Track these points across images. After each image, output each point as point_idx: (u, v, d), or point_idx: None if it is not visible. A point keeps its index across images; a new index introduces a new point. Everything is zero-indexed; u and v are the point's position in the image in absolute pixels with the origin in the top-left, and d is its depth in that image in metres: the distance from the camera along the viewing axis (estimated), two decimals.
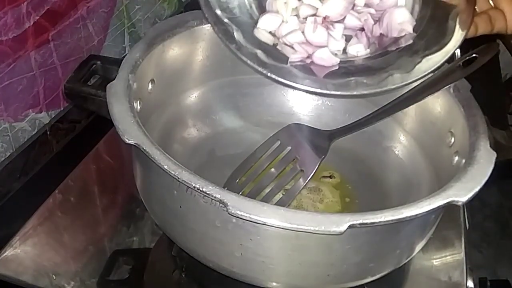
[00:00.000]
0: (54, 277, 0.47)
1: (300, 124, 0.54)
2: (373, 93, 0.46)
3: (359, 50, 0.49)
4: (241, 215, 0.34)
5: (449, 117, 0.49)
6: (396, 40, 0.48)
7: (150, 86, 0.50)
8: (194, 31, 0.53)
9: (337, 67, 0.48)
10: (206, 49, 0.55)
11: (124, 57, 0.47)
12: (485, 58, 0.46)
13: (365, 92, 0.46)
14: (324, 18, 0.48)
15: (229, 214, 0.34)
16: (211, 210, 0.37)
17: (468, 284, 0.49)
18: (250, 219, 0.34)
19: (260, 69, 0.46)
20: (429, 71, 0.46)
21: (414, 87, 0.50)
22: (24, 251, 0.48)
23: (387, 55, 0.48)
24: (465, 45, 0.46)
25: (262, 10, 0.51)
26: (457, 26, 0.46)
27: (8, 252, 0.48)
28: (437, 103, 0.50)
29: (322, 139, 0.52)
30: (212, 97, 0.58)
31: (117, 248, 0.50)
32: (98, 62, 0.51)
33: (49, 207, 0.52)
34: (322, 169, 0.55)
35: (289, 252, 0.39)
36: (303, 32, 0.48)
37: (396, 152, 0.56)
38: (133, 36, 0.73)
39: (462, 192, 0.37)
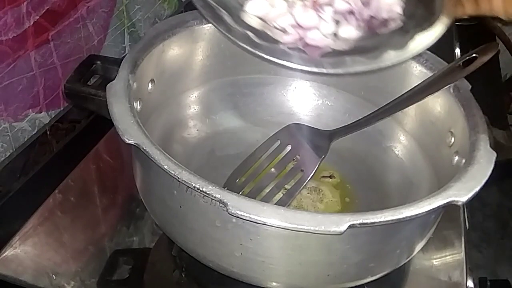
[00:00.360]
0: (54, 277, 0.47)
1: (300, 124, 0.54)
2: (371, 70, 0.46)
3: (350, 32, 0.48)
4: (241, 215, 0.34)
5: (449, 117, 0.49)
6: (385, 22, 0.48)
7: (150, 86, 0.50)
8: (194, 31, 0.53)
9: (330, 49, 0.47)
10: (206, 49, 0.55)
11: (124, 57, 0.47)
12: (485, 58, 0.46)
13: (363, 69, 0.46)
14: (314, 1, 0.47)
15: (229, 214, 0.34)
16: (211, 210, 0.37)
17: (468, 284, 0.49)
18: (250, 219, 0.34)
19: (253, 50, 0.45)
20: (423, 47, 0.47)
21: (414, 87, 0.50)
22: (24, 251, 0.48)
23: (378, 36, 0.48)
24: (465, 45, 0.46)
25: None
26: (445, 6, 0.47)
27: (8, 252, 0.48)
28: (437, 103, 0.50)
29: (322, 139, 0.52)
30: (212, 97, 0.58)
31: (117, 248, 0.50)
32: (98, 62, 0.51)
33: (49, 207, 0.52)
34: (322, 169, 0.55)
35: (289, 252, 0.39)
36: (292, 15, 0.47)
37: (396, 152, 0.56)
38: (133, 36, 0.73)
39: (462, 192, 0.37)
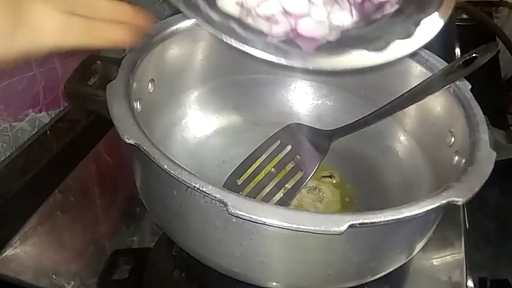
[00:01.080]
0: (54, 277, 0.47)
1: (300, 123, 0.54)
2: (378, 63, 0.39)
3: (344, 18, 0.41)
4: (241, 215, 0.34)
5: (449, 117, 0.49)
6: (381, 5, 0.43)
7: (150, 86, 0.50)
8: (194, 31, 0.53)
9: (326, 41, 0.40)
10: (206, 49, 0.55)
11: (124, 57, 0.47)
12: (485, 58, 0.46)
13: (369, 63, 0.39)
14: None
15: (229, 214, 0.34)
16: (211, 210, 0.37)
17: (468, 284, 0.49)
18: (250, 219, 0.34)
19: (242, 46, 0.36)
20: (433, 34, 0.41)
21: (414, 87, 0.50)
22: (24, 251, 0.48)
23: (375, 23, 0.42)
24: (465, 45, 0.46)
25: None
26: None
27: (8, 252, 0.48)
28: (437, 103, 0.50)
29: (322, 139, 0.52)
30: (212, 97, 0.58)
31: (117, 248, 0.50)
32: (98, 62, 0.51)
33: (49, 207, 0.52)
34: (322, 169, 0.55)
35: (289, 252, 0.39)
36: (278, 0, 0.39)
37: (396, 152, 0.56)
38: None
39: (462, 192, 0.37)
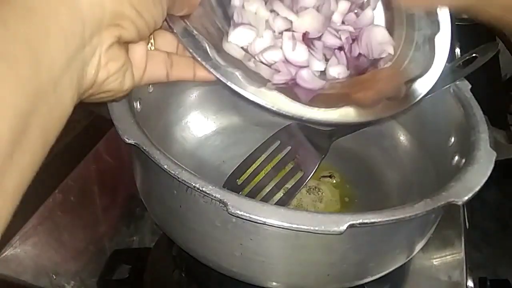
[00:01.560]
0: (54, 277, 0.47)
1: (300, 123, 0.54)
2: (366, 121, 0.40)
3: (340, 71, 0.42)
4: (241, 214, 0.34)
5: (449, 117, 0.49)
6: (375, 62, 0.44)
7: (150, 86, 0.50)
8: None
9: (321, 92, 0.41)
10: None
11: None
12: (485, 58, 0.46)
13: (363, 119, 0.39)
14: (304, 34, 0.41)
15: (229, 213, 0.34)
16: (211, 210, 0.37)
17: (468, 284, 0.49)
18: (250, 219, 0.34)
19: (243, 93, 0.37)
20: (424, 92, 0.42)
21: None
22: (24, 251, 0.48)
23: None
24: (465, 45, 0.46)
25: (228, 19, 0.43)
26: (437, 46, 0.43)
27: (8, 251, 0.48)
28: (437, 103, 0.50)
29: (322, 139, 0.52)
30: (212, 97, 0.58)
31: (117, 248, 0.51)
32: None
33: (49, 207, 0.52)
34: (322, 169, 0.55)
35: (289, 252, 0.39)
36: (281, 50, 0.41)
37: (396, 152, 0.56)
38: None
39: (462, 192, 0.37)
